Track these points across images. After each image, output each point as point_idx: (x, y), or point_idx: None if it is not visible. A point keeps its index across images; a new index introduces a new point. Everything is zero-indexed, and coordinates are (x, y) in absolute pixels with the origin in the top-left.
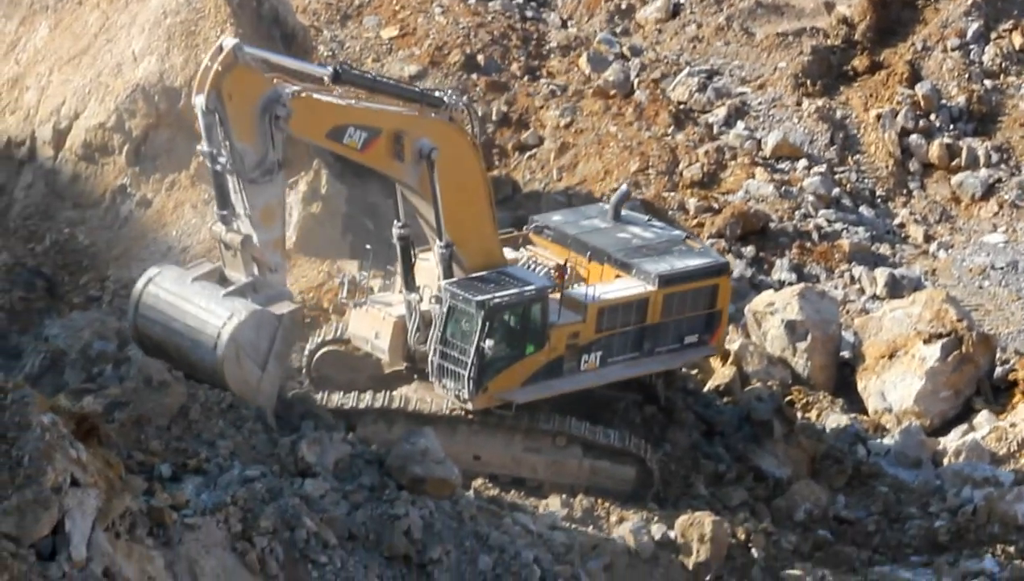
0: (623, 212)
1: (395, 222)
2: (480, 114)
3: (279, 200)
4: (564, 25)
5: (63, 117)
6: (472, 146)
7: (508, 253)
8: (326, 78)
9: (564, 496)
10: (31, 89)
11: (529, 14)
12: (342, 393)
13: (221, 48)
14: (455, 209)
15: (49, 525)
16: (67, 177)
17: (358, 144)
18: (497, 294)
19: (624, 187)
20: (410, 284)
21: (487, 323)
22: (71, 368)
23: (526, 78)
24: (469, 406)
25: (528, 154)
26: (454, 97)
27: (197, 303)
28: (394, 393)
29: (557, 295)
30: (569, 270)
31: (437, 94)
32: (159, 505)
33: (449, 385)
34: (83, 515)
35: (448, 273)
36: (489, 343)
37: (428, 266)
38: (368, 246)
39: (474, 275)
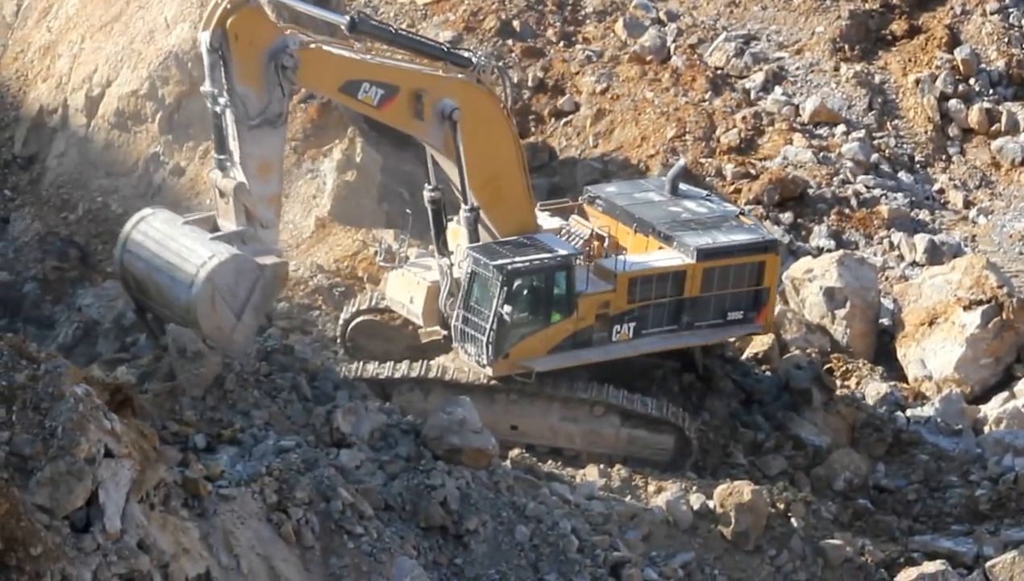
0: (682, 187)
1: (426, 185)
2: (515, 79)
3: (278, 154)
4: None
5: (95, 85)
6: (501, 109)
7: (548, 222)
8: (342, 26)
9: (602, 466)
10: (63, 56)
11: None
12: (377, 363)
13: None
14: (482, 173)
15: (83, 497)
16: (100, 145)
17: (374, 100)
18: (518, 259)
19: (681, 161)
20: (442, 248)
21: (506, 288)
22: (104, 338)
23: (562, 44)
24: (488, 371)
25: (564, 120)
26: (483, 58)
27: (182, 243)
28: (431, 362)
29: (590, 264)
30: (607, 240)
31: (465, 54)
32: (194, 476)
33: (470, 350)
34: (117, 486)
35: (474, 237)
36: (507, 309)
37: (462, 230)
38: (408, 211)
39: (499, 240)
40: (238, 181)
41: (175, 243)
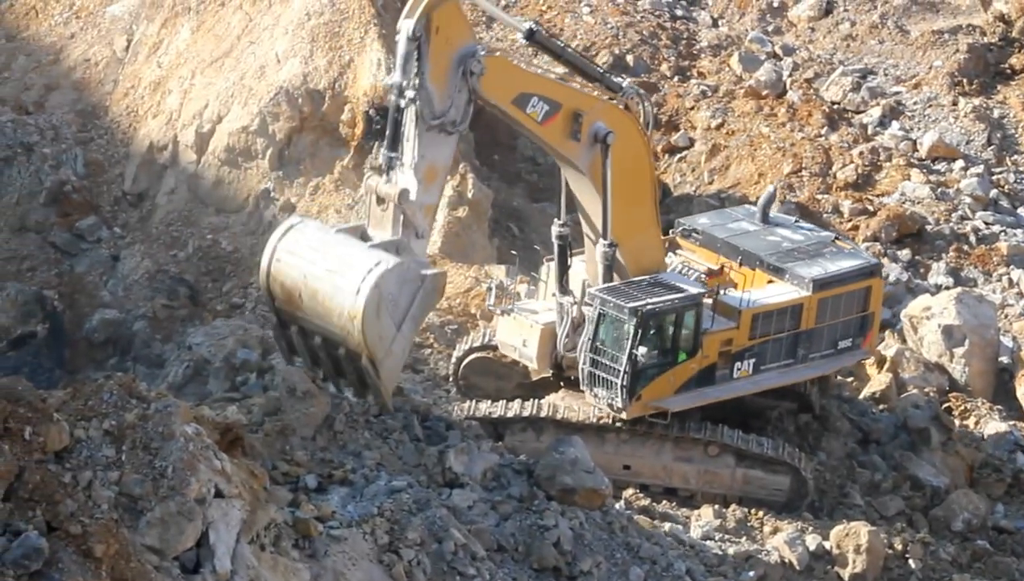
0: (771, 213)
1: (556, 220)
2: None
3: (445, 162)
4: (715, 24)
5: (206, 121)
6: (643, 139)
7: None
8: (519, 34)
9: (717, 507)
10: (173, 92)
11: (679, 13)
12: (489, 402)
13: None
14: (621, 205)
15: (193, 537)
16: (210, 182)
17: (539, 116)
18: (650, 301)
19: (771, 187)
20: (564, 286)
21: (640, 330)
22: (215, 377)
23: (676, 78)
24: (623, 415)
25: (679, 156)
26: (631, 87)
27: (341, 250)
28: (542, 401)
29: (710, 301)
30: (721, 275)
31: (616, 80)
32: (304, 517)
33: (601, 394)
34: (227, 527)
35: (608, 275)
36: (642, 351)
37: (578, 270)
38: (514, 252)
39: (625, 282)
40: (402, 188)
41: (333, 250)
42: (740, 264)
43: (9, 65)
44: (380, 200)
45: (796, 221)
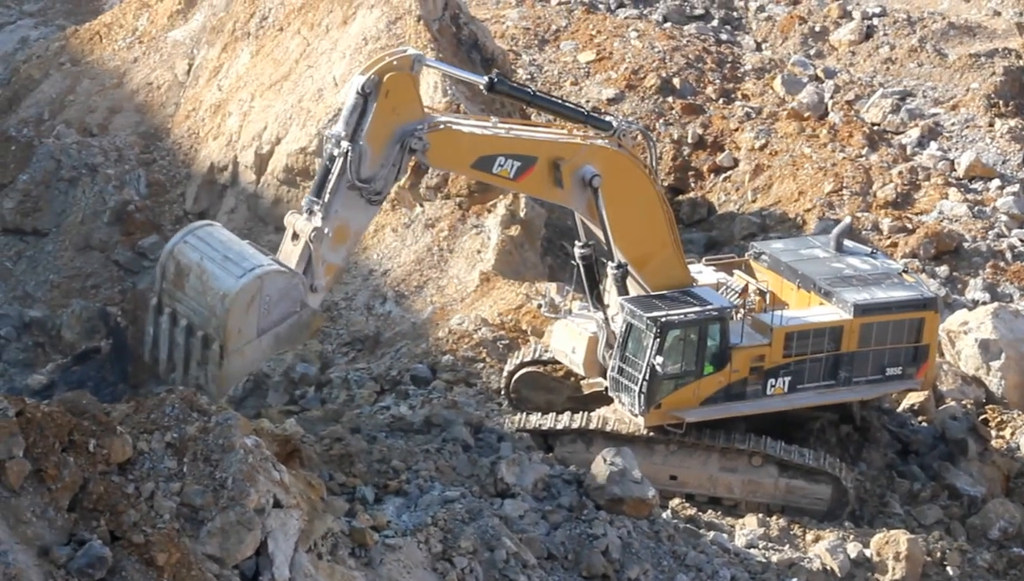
0: (847, 244)
1: (576, 242)
2: (669, 137)
3: (358, 227)
4: (758, 48)
5: (265, 142)
6: (643, 172)
7: (709, 276)
8: (481, 87)
9: (760, 515)
10: (233, 115)
11: (723, 37)
12: (540, 414)
13: (405, 51)
14: (629, 232)
15: (252, 546)
16: (269, 201)
17: (510, 173)
18: (672, 312)
19: (847, 219)
20: (596, 302)
21: (659, 340)
22: (274, 391)
23: (721, 101)
24: (640, 422)
25: (723, 176)
26: (624, 122)
27: (245, 248)
28: (592, 414)
29: (747, 317)
30: (767, 294)
31: (607, 118)
32: (360, 526)
33: (624, 400)
34: (286, 536)
35: (622, 292)
36: (659, 360)
37: (610, 286)
38: (573, 262)
39: (655, 293)
40: (317, 228)
41: (237, 247)
42: (798, 287)
43: (74, 88)
44: (295, 236)
45: (872, 252)
